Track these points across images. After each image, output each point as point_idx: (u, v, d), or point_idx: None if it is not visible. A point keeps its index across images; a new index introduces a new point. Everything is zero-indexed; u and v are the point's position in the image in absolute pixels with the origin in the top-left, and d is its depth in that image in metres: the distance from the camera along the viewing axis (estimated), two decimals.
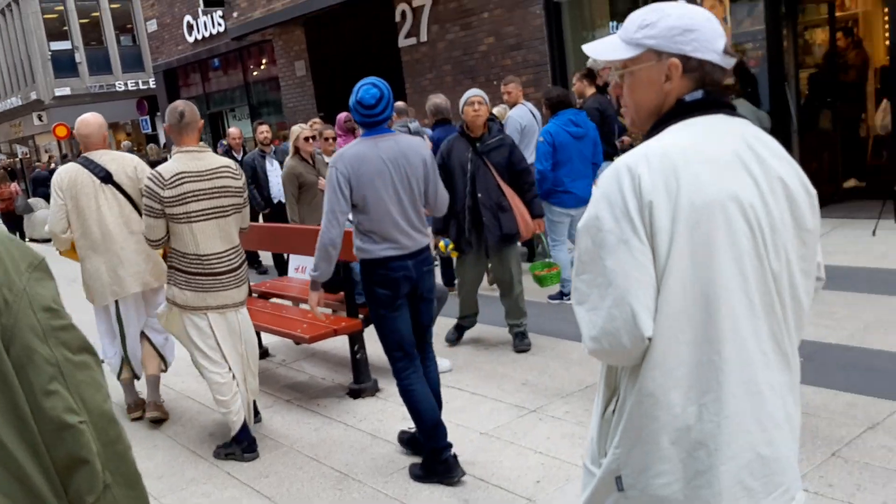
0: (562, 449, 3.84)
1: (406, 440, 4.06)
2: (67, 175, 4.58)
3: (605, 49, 1.70)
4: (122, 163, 4.69)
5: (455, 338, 5.74)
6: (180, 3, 18.06)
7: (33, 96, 32.03)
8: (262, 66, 17.10)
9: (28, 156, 34.14)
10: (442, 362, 5.17)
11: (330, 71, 14.52)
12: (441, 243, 5.38)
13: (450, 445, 3.69)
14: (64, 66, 31.18)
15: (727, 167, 1.54)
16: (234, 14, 15.87)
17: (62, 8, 31.60)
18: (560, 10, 10.24)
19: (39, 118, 32.01)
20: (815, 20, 9.04)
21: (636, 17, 1.65)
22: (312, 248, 3.77)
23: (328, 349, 5.90)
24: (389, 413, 4.54)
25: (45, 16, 31.46)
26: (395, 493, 3.63)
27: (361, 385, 4.89)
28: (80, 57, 31.68)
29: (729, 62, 1.62)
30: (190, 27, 17.87)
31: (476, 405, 4.54)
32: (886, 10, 8.57)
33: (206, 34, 17.35)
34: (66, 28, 31.77)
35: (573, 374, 4.81)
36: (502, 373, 5.03)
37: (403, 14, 12.15)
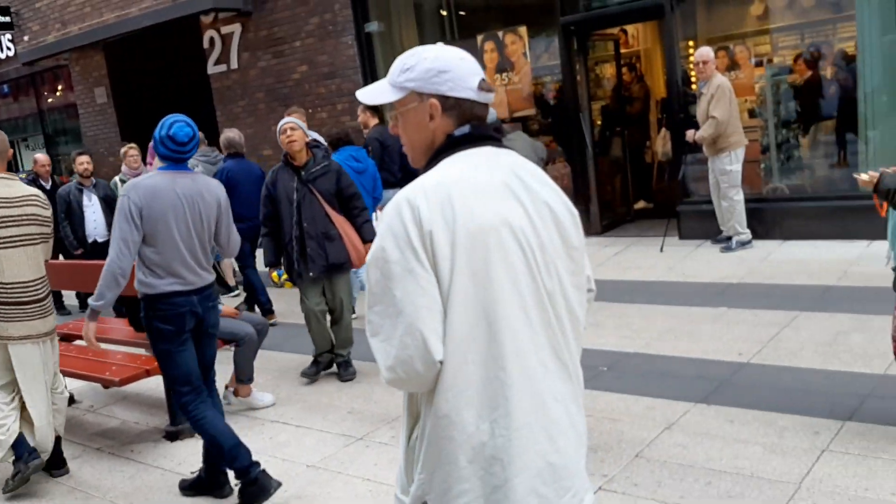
0: (390, 474, 3.88)
1: (188, 486, 3.95)
2: None
3: (375, 93, 1.79)
4: None
5: (312, 372, 5.49)
6: None
7: None
8: (58, 93, 15.97)
9: None
10: (264, 397, 5.10)
11: (134, 97, 13.83)
12: (274, 274, 5.32)
13: (256, 463, 3.68)
14: None
15: (497, 194, 1.65)
16: (25, 38, 14.76)
17: None
18: (371, 41, 10.45)
19: None
20: (603, 56, 9.86)
21: (399, 62, 1.76)
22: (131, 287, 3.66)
23: (141, 391, 5.59)
24: None
25: None
26: None
27: (179, 426, 4.68)
28: None
29: (485, 97, 1.74)
30: None
31: (301, 437, 4.50)
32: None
33: None
34: None
35: (398, 398, 4.86)
36: (327, 403, 5.02)
37: (212, 40, 11.86)
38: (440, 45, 1.79)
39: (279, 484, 3.66)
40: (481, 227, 1.60)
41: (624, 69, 10.07)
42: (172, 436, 4.67)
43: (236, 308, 5.50)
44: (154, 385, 5.34)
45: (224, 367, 5.39)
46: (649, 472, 3.60)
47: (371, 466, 4.01)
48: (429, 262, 1.57)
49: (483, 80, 1.74)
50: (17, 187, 4.00)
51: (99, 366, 4.83)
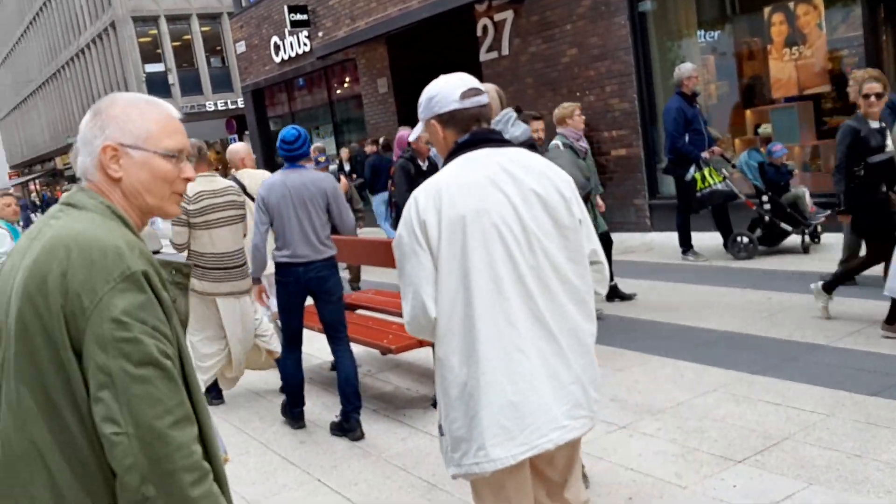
0: (654, 466, 3.74)
1: (335, 426, 4.76)
2: None
3: (415, 131, 2.41)
4: (256, 180, 5.94)
5: None
6: (268, 25, 18.59)
7: None
8: (346, 84, 17.42)
9: None
10: None
11: (411, 87, 14.65)
12: None
13: (301, 413, 4.86)
14: (158, 87, 32.57)
15: (479, 188, 2.11)
16: (320, 34, 16.26)
17: (156, 32, 33.08)
18: (645, 20, 10.10)
19: None
20: None
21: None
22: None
23: (412, 360, 5.92)
24: None
25: (140, 39, 32.97)
26: None
27: None
28: (172, 79, 33.05)
29: (472, 102, 2.20)
30: (277, 48, 18.33)
31: None
32: None
33: (293, 54, 17.75)
34: (159, 51, 33.23)
35: (664, 391, 4.69)
36: None
37: (485, 28, 12.21)
38: (441, 77, 2.26)
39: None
40: (459, 215, 2.08)
41: None
42: None
43: None
44: (424, 356, 5.62)
45: None
46: None
47: (635, 456, 3.88)
48: (425, 243, 2.09)
49: (466, 90, 2.20)
50: (217, 182, 5.15)
51: (377, 334, 5.17)
